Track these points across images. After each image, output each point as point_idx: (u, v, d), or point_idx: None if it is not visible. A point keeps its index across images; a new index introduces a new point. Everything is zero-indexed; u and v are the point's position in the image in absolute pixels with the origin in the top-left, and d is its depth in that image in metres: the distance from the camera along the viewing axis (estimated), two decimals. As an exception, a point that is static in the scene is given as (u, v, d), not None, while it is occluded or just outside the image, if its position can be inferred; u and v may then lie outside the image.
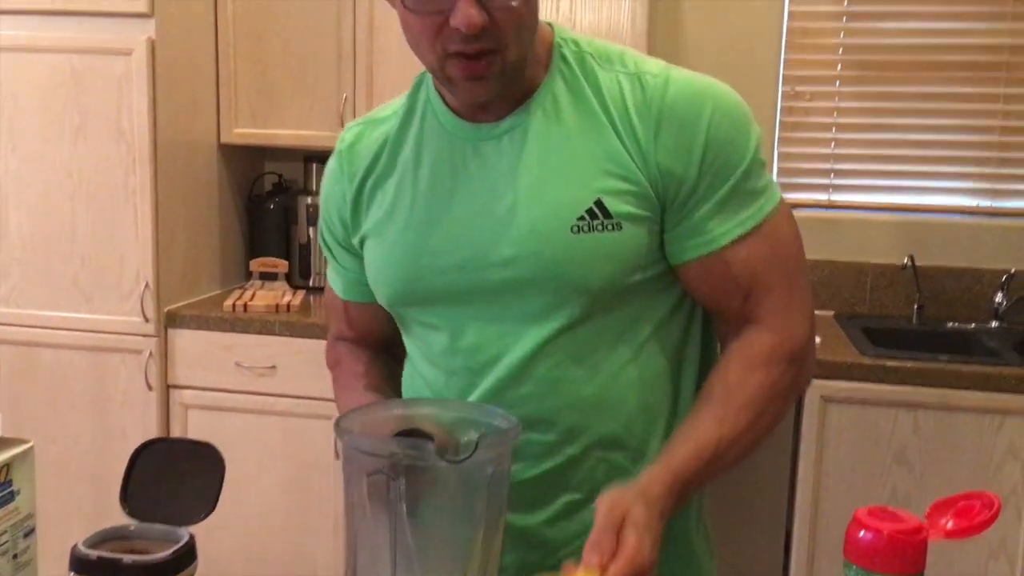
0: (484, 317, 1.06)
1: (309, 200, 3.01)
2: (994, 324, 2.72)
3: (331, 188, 1.18)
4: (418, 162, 1.09)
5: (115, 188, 2.61)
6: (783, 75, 2.87)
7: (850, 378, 2.31)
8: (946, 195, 2.85)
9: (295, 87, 2.83)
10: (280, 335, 2.63)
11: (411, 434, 0.93)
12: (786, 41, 2.86)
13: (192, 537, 0.90)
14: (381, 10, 2.74)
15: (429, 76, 1.11)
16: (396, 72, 2.76)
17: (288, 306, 2.72)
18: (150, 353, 2.65)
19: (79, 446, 2.72)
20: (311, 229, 3.01)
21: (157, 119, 2.58)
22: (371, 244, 1.13)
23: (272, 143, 2.91)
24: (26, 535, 0.97)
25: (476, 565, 0.89)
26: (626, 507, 0.90)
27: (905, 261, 2.75)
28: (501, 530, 0.92)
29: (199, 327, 2.66)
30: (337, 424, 0.90)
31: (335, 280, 1.24)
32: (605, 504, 0.90)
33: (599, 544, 0.87)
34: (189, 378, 2.69)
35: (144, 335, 2.65)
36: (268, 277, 2.95)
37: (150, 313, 2.63)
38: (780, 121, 2.89)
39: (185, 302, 2.75)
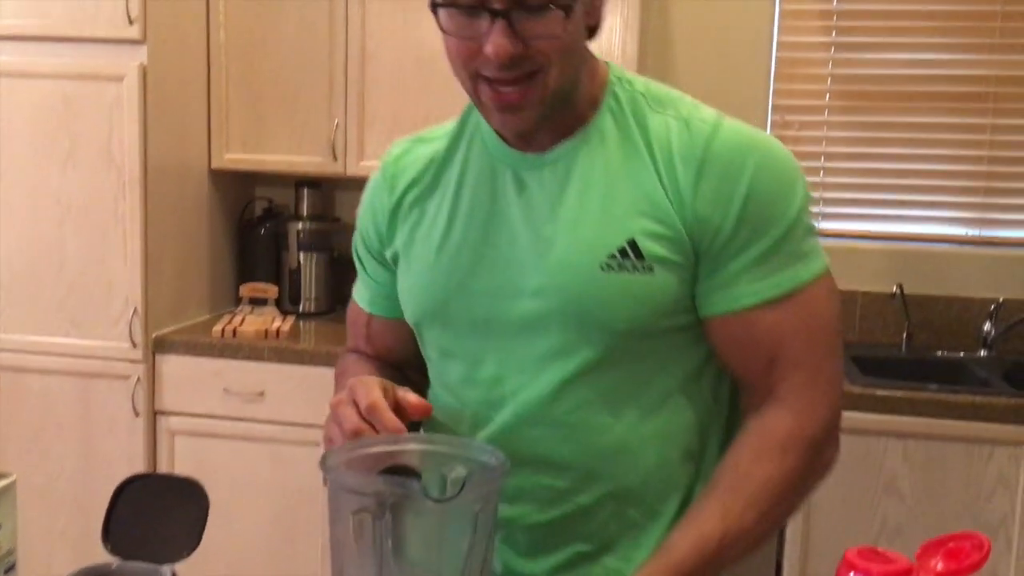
0: (505, 349, 1.04)
1: (300, 225, 3.00)
2: (983, 353, 2.73)
3: (371, 199, 1.17)
4: (461, 184, 1.09)
5: (104, 213, 2.60)
6: (772, 104, 2.89)
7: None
8: (935, 224, 2.86)
9: (286, 113, 2.83)
10: (269, 361, 2.62)
11: (398, 470, 0.93)
12: (775, 71, 2.87)
13: (175, 575, 0.89)
14: (373, 38, 2.75)
15: None
16: (388, 100, 2.77)
17: (278, 332, 2.71)
18: (137, 379, 2.63)
19: (64, 472, 2.70)
20: (301, 254, 3.01)
21: (148, 145, 2.58)
22: (404, 260, 1.12)
23: (263, 169, 2.91)
24: (7, 571, 0.96)
25: (463, 604, 0.88)
26: None
27: (894, 290, 2.76)
28: (488, 568, 0.91)
29: (187, 352, 2.65)
30: (323, 461, 0.89)
31: (361, 293, 1.23)
32: None
33: None
34: (176, 404, 2.67)
35: (132, 360, 2.63)
36: (258, 302, 2.94)
37: (138, 338, 2.62)
38: (770, 150, 2.89)
39: (173, 327, 2.73)
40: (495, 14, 0.91)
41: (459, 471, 0.89)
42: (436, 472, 0.94)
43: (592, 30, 1.02)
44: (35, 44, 2.58)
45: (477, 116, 1.09)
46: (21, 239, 2.66)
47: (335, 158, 2.81)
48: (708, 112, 1.03)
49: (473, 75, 0.97)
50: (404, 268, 1.12)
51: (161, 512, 0.93)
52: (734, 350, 1.02)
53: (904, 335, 2.77)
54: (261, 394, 2.62)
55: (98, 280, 2.62)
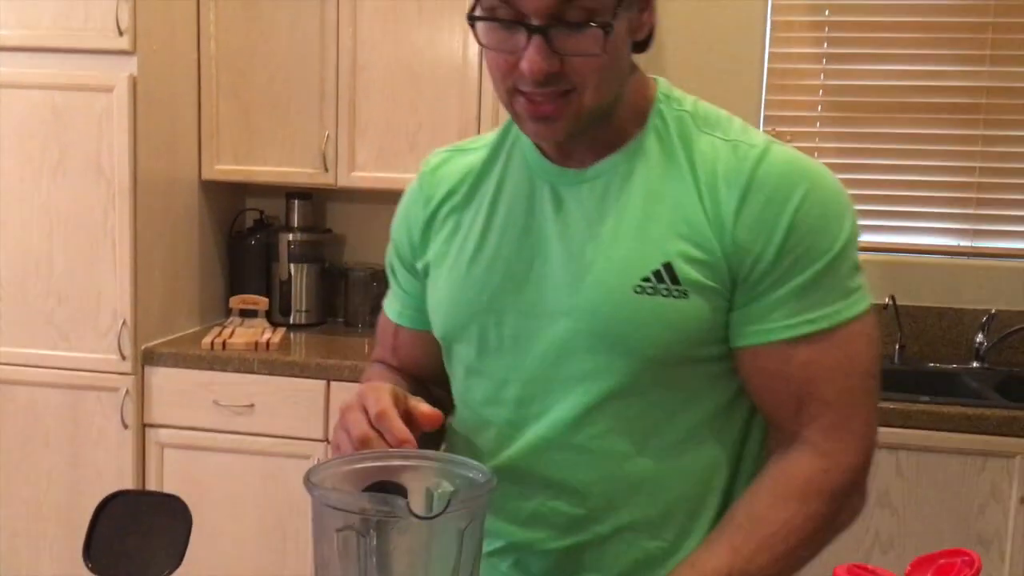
0: (532, 370, 1.01)
1: (290, 237, 3.00)
2: (975, 364, 2.73)
3: (406, 208, 1.16)
4: (497, 197, 1.06)
5: (93, 225, 2.59)
6: (764, 115, 2.89)
7: (832, 419, 2.30)
8: (927, 235, 2.86)
9: (277, 125, 2.82)
10: (259, 373, 2.60)
11: (384, 487, 0.91)
12: (767, 82, 2.88)
13: (156, 594, 0.88)
14: (364, 49, 2.75)
15: None
16: (379, 111, 2.76)
17: (268, 344, 2.70)
18: (126, 391, 2.62)
19: (53, 485, 2.67)
20: (292, 266, 3.00)
21: (137, 156, 2.57)
22: (435, 272, 1.10)
23: (253, 180, 2.90)
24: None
25: (448, 622, 0.87)
26: None
27: (886, 301, 2.76)
28: (475, 586, 0.90)
29: (176, 365, 2.63)
30: (307, 477, 0.88)
31: (391, 303, 1.21)
32: None
33: None
34: (165, 417, 2.65)
35: (120, 373, 2.62)
36: (248, 314, 2.92)
37: (127, 351, 2.60)
38: (761, 161, 2.90)
39: (163, 339, 2.72)
40: (532, 30, 0.89)
41: (445, 487, 0.88)
42: (422, 488, 0.93)
43: (644, 43, 0.99)
44: (25, 55, 2.57)
45: (517, 128, 1.05)
46: (9, 250, 2.64)
47: (326, 169, 2.80)
48: (758, 136, 0.99)
49: (510, 88, 0.95)
50: (435, 281, 1.10)
51: (143, 529, 0.92)
52: (764, 385, 0.98)
53: (896, 346, 2.77)
54: (251, 406, 2.61)
55: (87, 292, 2.61)
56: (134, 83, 2.54)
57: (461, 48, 2.70)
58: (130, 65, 2.54)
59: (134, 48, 2.53)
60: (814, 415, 0.96)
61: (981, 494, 2.29)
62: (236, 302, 2.93)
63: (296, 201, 3.02)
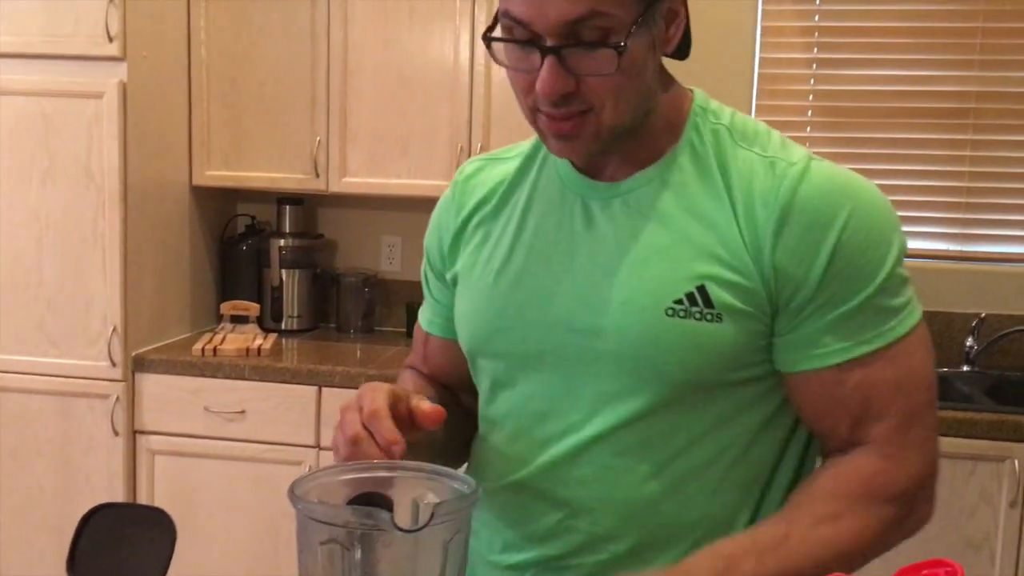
0: (558, 386, 0.99)
1: (282, 242, 2.99)
2: (965, 368, 2.73)
3: (439, 217, 1.14)
4: (528, 209, 1.04)
5: (83, 231, 2.58)
6: (755, 120, 2.89)
7: (823, 424, 2.30)
8: (917, 239, 2.87)
9: (268, 130, 2.82)
10: (250, 379, 2.60)
11: (369, 498, 0.91)
12: (757, 87, 2.88)
13: (141, 607, 0.88)
14: (356, 54, 2.75)
15: None
16: (370, 116, 2.76)
17: (259, 350, 2.69)
18: (117, 398, 2.61)
19: (43, 493, 2.67)
20: (283, 271, 3.00)
21: (128, 162, 2.57)
22: (463, 283, 1.08)
23: (245, 185, 2.90)
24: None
25: (433, 635, 0.87)
26: None
27: (877, 305, 2.76)
28: (460, 598, 0.90)
29: (167, 371, 2.63)
30: (290, 491, 0.88)
31: (423, 311, 1.19)
32: None
33: None
34: (156, 423, 2.65)
35: (111, 380, 2.61)
36: (239, 320, 2.92)
37: (117, 357, 2.59)
38: (752, 165, 2.90)
39: (154, 346, 2.71)
40: (546, 50, 0.88)
41: (430, 499, 0.88)
42: (408, 500, 0.92)
43: (682, 52, 0.98)
44: (14, 61, 2.56)
45: None
46: (-1, 257, 2.64)
47: (317, 175, 2.80)
48: (797, 152, 0.95)
49: (532, 107, 0.94)
50: (462, 292, 1.09)
51: (128, 542, 0.92)
52: (818, 408, 0.95)
53: (887, 351, 2.77)
54: (242, 413, 2.60)
55: (77, 298, 2.60)
56: (124, 89, 2.53)
57: (452, 53, 2.70)
58: (120, 71, 2.53)
59: (124, 54, 2.52)
60: (872, 428, 0.94)
61: (971, 498, 2.30)
62: (227, 308, 2.93)
63: (287, 207, 3.02)
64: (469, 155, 2.71)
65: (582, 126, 0.92)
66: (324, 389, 2.57)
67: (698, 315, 0.92)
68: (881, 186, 1.02)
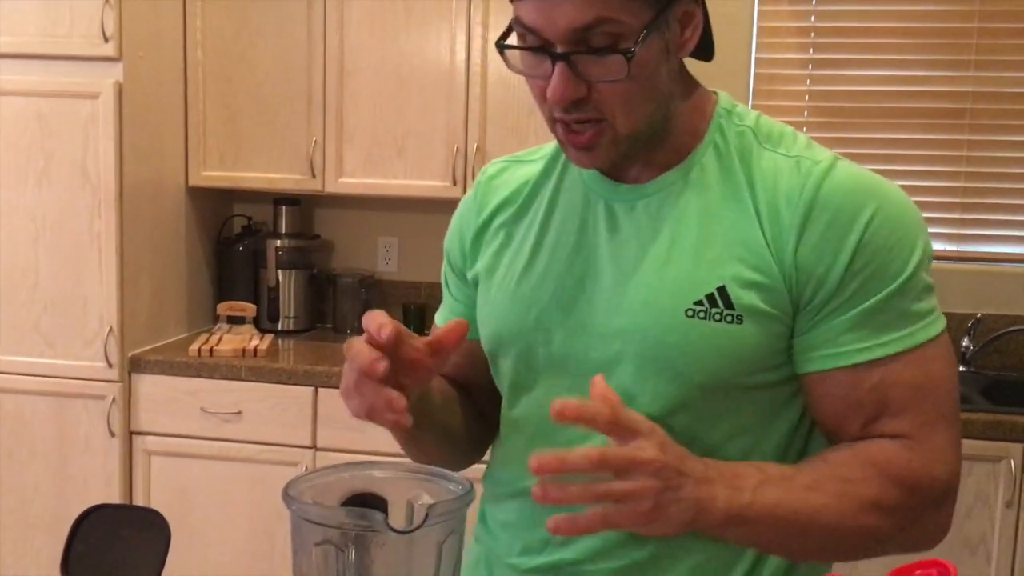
0: (577, 389, 0.97)
1: (278, 243, 2.99)
2: (962, 368, 2.73)
3: (460, 217, 1.14)
4: (550, 211, 1.04)
5: (79, 232, 2.58)
6: (751, 121, 2.89)
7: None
8: (913, 240, 2.87)
9: (264, 131, 2.82)
10: (246, 380, 2.60)
11: (364, 499, 0.91)
12: (753, 88, 2.89)
13: (135, 608, 0.88)
14: (352, 54, 2.75)
15: None
16: (366, 117, 2.76)
17: (255, 350, 2.69)
18: (113, 399, 2.61)
19: (39, 493, 2.66)
20: (280, 272, 2.99)
21: (124, 162, 2.56)
22: (484, 284, 1.08)
23: (241, 186, 2.90)
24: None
25: (428, 636, 0.87)
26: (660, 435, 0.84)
27: (873, 305, 2.76)
28: (454, 598, 0.90)
29: (163, 372, 2.63)
30: (285, 492, 0.88)
31: (442, 312, 1.19)
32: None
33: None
34: (153, 424, 2.64)
35: (107, 380, 2.61)
36: (236, 321, 2.92)
37: (113, 358, 2.59)
38: (749, 166, 2.91)
39: (150, 346, 2.71)
40: (556, 57, 0.89)
41: (424, 500, 0.88)
42: (402, 501, 0.93)
43: (704, 54, 0.98)
44: (9, 61, 2.56)
45: None
46: (-5, 258, 2.63)
47: (313, 175, 2.80)
48: (822, 152, 0.95)
49: (549, 115, 0.94)
50: (484, 293, 1.08)
51: (122, 543, 0.92)
52: (832, 409, 0.94)
53: (883, 351, 2.77)
54: (238, 413, 2.60)
55: (73, 299, 2.60)
56: (120, 90, 2.53)
57: (449, 54, 2.70)
58: (116, 72, 2.53)
59: (120, 55, 2.52)
60: (886, 429, 0.92)
61: (967, 498, 2.30)
62: (224, 309, 2.93)
63: (284, 207, 3.02)
64: (465, 156, 2.71)
65: (598, 136, 0.92)
66: (320, 390, 2.57)
67: (718, 316, 0.92)
68: (878, 186, 1.00)
